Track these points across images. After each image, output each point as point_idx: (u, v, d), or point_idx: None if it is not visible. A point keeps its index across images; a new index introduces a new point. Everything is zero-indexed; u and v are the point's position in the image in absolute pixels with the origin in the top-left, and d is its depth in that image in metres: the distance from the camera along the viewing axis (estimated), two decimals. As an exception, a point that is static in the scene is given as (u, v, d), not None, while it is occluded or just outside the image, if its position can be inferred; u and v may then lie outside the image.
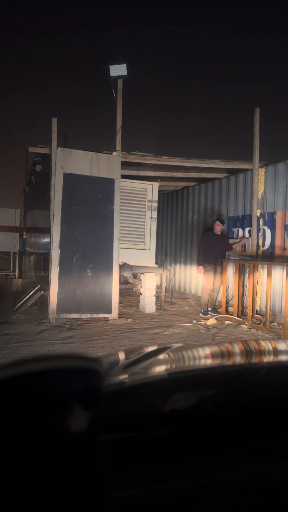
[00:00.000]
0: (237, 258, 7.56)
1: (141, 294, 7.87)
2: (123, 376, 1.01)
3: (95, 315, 6.71)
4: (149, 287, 7.72)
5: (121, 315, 7.00)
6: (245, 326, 6.45)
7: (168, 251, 10.27)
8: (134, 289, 8.49)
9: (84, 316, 6.65)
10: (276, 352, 1.30)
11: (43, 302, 7.10)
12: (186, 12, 32.25)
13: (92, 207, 6.75)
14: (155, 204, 8.01)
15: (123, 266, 7.36)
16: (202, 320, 6.93)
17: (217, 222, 7.34)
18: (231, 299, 7.30)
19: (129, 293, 9.28)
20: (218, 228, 7.33)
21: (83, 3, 31.54)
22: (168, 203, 10.32)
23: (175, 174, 8.37)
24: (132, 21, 30.46)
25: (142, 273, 7.83)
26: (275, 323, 6.63)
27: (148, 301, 7.70)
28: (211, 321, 6.74)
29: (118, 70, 6.77)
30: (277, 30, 28.78)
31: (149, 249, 8.01)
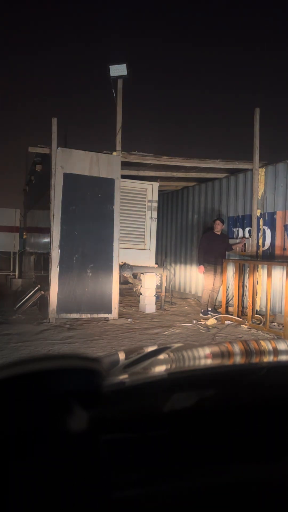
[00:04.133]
0: (237, 258, 7.56)
1: (141, 294, 7.87)
2: (123, 376, 1.01)
3: (95, 315, 6.71)
4: (149, 287, 7.72)
5: (121, 315, 7.00)
6: (245, 326, 6.45)
7: (168, 251, 10.26)
8: (134, 289, 8.49)
9: (84, 316, 6.64)
10: (276, 352, 1.30)
11: (43, 302, 7.10)
12: (186, 12, 32.25)
13: (92, 207, 6.75)
14: (155, 204, 8.01)
15: (123, 266, 7.36)
16: (202, 320, 6.93)
17: (218, 222, 7.35)
18: (231, 299, 7.30)
19: (129, 293, 9.28)
20: (219, 227, 7.34)
21: (85, 4, 31.55)
22: (168, 203, 10.32)
23: (175, 174, 8.36)
24: (133, 22, 30.47)
25: (142, 273, 7.83)
26: (275, 323, 6.63)
27: (148, 301, 7.70)
28: (211, 321, 6.73)
29: (118, 70, 6.76)
30: (278, 31, 28.79)
31: (149, 249, 8.01)
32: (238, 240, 7.68)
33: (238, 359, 1.26)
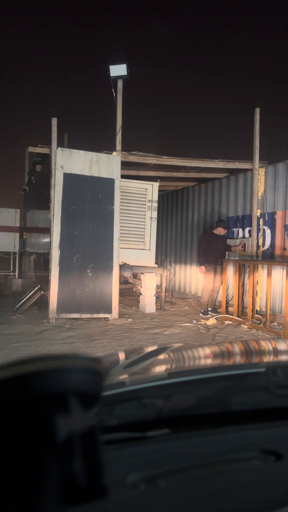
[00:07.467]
0: (237, 258, 7.56)
1: (141, 294, 7.87)
2: (123, 376, 1.01)
3: (95, 315, 6.71)
4: (149, 287, 7.71)
5: (121, 315, 7.00)
6: (245, 326, 6.45)
7: (168, 251, 10.26)
8: (134, 289, 8.49)
9: (84, 316, 6.64)
10: (276, 352, 1.30)
11: (43, 302, 7.10)
12: (186, 11, 32.26)
13: (92, 207, 6.75)
14: (155, 204, 8.01)
15: (123, 266, 7.36)
16: (202, 320, 6.93)
17: (220, 229, 7.33)
18: (231, 299, 7.30)
19: (129, 293, 9.28)
20: (223, 233, 7.37)
21: (84, 2, 31.56)
22: (168, 203, 10.32)
23: (175, 174, 8.36)
24: (132, 20, 30.47)
25: (142, 273, 7.83)
26: (275, 323, 6.63)
27: (148, 301, 7.70)
28: (211, 321, 6.73)
29: (118, 70, 6.76)
30: (278, 29, 28.78)
31: (149, 249, 8.01)
32: (237, 242, 7.67)
33: (238, 359, 1.26)
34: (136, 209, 7.83)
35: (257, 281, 6.95)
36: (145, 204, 7.92)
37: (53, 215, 6.53)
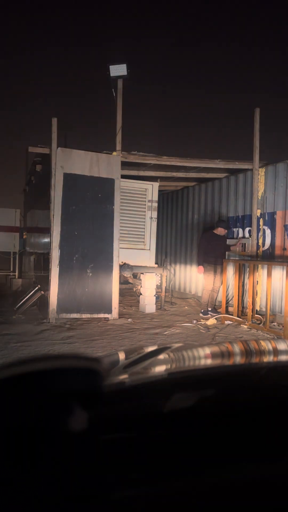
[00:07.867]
0: (237, 258, 7.56)
1: (141, 294, 7.87)
2: (123, 376, 1.01)
3: (95, 315, 6.71)
4: (149, 287, 7.71)
5: (121, 315, 7.00)
6: (245, 326, 6.45)
7: (168, 251, 10.26)
8: (134, 289, 8.49)
9: (84, 316, 6.65)
10: (276, 352, 1.30)
11: (43, 302, 7.10)
12: (187, 14, 32.28)
13: (92, 207, 6.75)
14: (155, 204, 8.01)
15: (123, 266, 7.36)
16: (202, 320, 6.93)
17: (221, 229, 7.33)
18: (231, 299, 7.30)
19: (129, 293, 9.28)
20: (223, 233, 7.37)
21: (85, 2, 31.58)
22: (168, 203, 10.32)
23: (175, 174, 8.36)
24: (133, 21, 30.50)
25: (142, 273, 7.83)
26: (275, 323, 6.63)
27: (148, 301, 7.70)
28: (211, 321, 6.73)
29: (118, 70, 6.76)
30: (278, 30, 28.80)
31: (149, 249, 8.01)
32: (234, 241, 7.66)
33: (238, 359, 1.26)
34: (136, 209, 7.83)
35: (257, 281, 6.94)
36: (145, 204, 7.93)
37: (53, 215, 6.53)
